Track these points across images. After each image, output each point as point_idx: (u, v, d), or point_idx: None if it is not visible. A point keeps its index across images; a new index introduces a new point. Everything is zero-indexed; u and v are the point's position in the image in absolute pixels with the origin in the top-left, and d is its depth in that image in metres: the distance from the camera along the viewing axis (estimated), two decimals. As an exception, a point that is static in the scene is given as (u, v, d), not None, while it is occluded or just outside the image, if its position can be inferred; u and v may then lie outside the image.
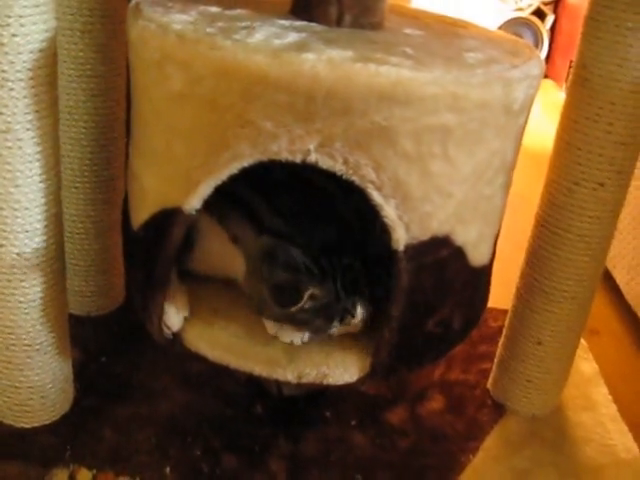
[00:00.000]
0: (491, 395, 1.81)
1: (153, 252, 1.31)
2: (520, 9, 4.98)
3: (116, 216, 1.69)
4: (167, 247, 1.28)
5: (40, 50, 1.25)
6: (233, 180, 1.19)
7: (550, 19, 4.98)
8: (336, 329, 1.35)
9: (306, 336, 1.37)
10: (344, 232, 1.35)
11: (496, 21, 4.82)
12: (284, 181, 1.33)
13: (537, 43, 4.85)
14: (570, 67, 1.55)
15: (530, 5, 4.97)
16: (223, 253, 1.39)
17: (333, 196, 1.34)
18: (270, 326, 1.38)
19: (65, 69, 1.60)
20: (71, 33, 1.58)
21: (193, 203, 1.22)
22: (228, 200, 1.32)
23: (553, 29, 5.02)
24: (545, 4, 4.97)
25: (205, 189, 1.21)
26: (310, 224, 1.32)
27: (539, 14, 4.99)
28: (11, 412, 1.52)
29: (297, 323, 1.34)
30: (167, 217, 1.27)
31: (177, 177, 1.25)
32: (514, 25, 4.86)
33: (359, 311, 1.33)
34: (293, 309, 1.27)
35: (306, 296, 1.27)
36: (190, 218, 1.25)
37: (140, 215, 1.35)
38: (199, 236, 1.37)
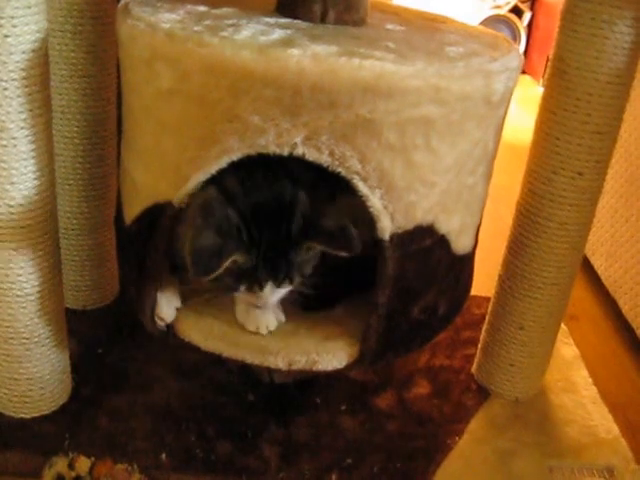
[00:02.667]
0: (475, 379, 1.84)
1: (145, 246, 1.33)
2: (498, 7, 5.00)
3: (109, 212, 1.72)
4: (158, 241, 1.30)
5: (32, 50, 1.27)
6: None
7: (527, 16, 5.00)
8: (243, 292, 1.32)
9: (272, 324, 1.39)
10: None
11: (474, 19, 4.83)
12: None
13: (515, 39, 4.87)
14: (547, 63, 1.57)
15: (508, 3, 4.98)
16: None
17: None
18: (243, 319, 1.40)
19: (57, 69, 1.62)
20: (62, 34, 1.60)
21: (183, 197, 1.24)
22: None
23: (530, 26, 5.03)
24: (522, 2, 4.99)
25: (194, 183, 1.22)
26: (261, 186, 1.28)
27: (516, 11, 5.00)
28: (11, 403, 1.54)
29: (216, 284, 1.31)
30: (158, 211, 1.29)
31: (167, 172, 1.28)
32: (492, 22, 4.87)
33: (267, 288, 1.30)
34: (209, 277, 1.23)
35: (227, 261, 1.23)
36: (181, 212, 1.26)
37: (132, 210, 1.38)
38: None
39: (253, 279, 1.29)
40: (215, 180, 1.24)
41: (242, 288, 1.30)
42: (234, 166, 1.22)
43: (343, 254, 1.25)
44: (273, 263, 1.27)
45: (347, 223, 1.24)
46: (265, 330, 1.38)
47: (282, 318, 1.41)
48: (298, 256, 1.28)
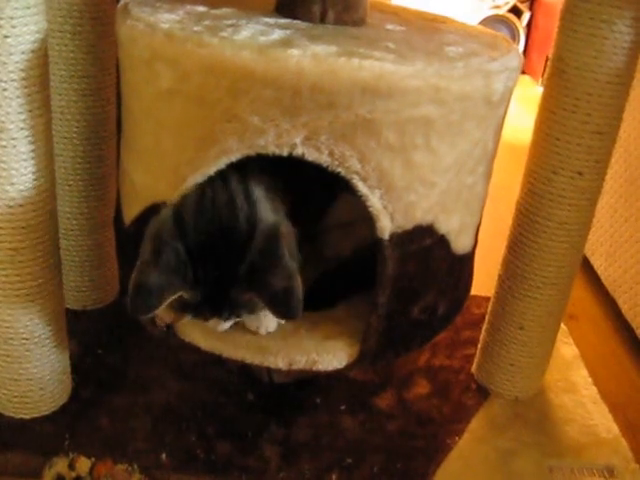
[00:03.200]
0: (475, 379, 1.84)
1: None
2: (497, 7, 5.00)
3: (109, 212, 1.72)
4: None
5: (32, 51, 1.27)
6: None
7: (526, 16, 5.00)
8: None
9: (272, 326, 1.39)
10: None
11: (474, 19, 4.83)
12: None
13: (514, 39, 4.87)
14: (546, 62, 1.57)
15: (507, 3, 4.99)
16: None
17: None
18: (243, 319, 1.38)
19: (56, 70, 1.62)
20: (62, 35, 1.60)
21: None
22: None
23: (529, 26, 5.04)
24: (521, 2, 5.00)
25: (192, 183, 1.23)
26: (217, 221, 1.24)
27: (515, 11, 5.01)
28: (11, 404, 1.54)
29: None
30: (156, 212, 1.28)
31: (166, 172, 1.28)
32: (491, 22, 4.88)
33: (212, 321, 1.29)
34: (145, 316, 1.24)
35: (170, 299, 1.20)
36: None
37: (131, 211, 1.38)
38: None
39: (198, 312, 1.28)
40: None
41: (188, 317, 1.30)
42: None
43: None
44: (216, 301, 1.26)
45: (294, 286, 1.19)
46: (264, 331, 1.38)
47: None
48: (241, 298, 1.26)
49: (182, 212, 1.23)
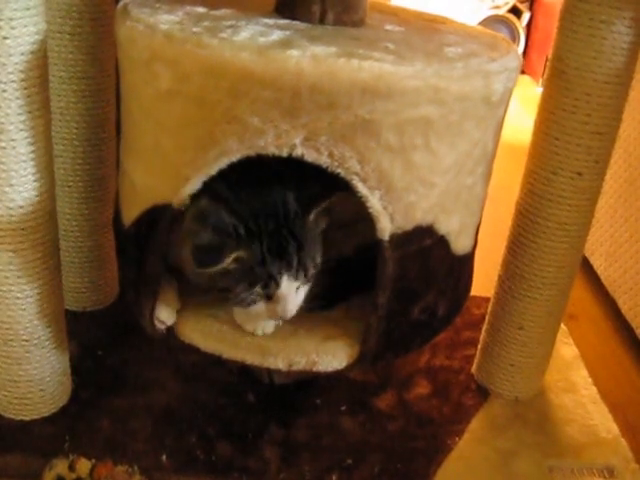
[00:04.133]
0: (475, 380, 1.84)
1: (144, 248, 1.33)
2: (497, 7, 5.00)
3: (109, 214, 1.71)
4: (157, 243, 1.30)
5: (31, 52, 1.27)
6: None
7: (526, 16, 5.00)
8: (262, 305, 1.31)
9: (269, 327, 1.39)
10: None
11: (473, 19, 4.83)
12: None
13: (514, 40, 4.87)
14: (546, 63, 1.57)
15: (506, 3, 4.99)
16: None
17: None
18: (240, 320, 1.40)
19: (56, 71, 1.62)
20: (61, 36, 1.60)
21: (182, 199, 1.24)
22: None
23: (529, 26, 5.04)
24: (521, 2, 5.00)
25: (194, 185, 1.22)
26: (253, 187, 1.28)
27: (515, 12, 5.01)
28: (11, 405, 1.54)
29: (221, 291, 1.31)
30: (157, 213, 1.29)
31: (167, 174, 1.28)
32: (491, 23, 4.87)
33: (285, 282, 1.28)
34: (212, 269, 1.24)
35: (230, 258, 1.23)
36: (180, 214, 1.26)
37: (131, 212, 1.38)
38: None
39: (266, 276, 1.27)
40: (206, 188, 1.24)
41: (258, 291, 1.28)
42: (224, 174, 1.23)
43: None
44: (281, 250, 1.27)
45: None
46: (261, 332, 1.39)
47: (279, 321, 1.41)
48: (304, 236, 1.28)
49: (216, 191, 1.26)
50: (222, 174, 1.22)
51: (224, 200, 1.26)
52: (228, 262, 1.23)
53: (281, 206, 1.27)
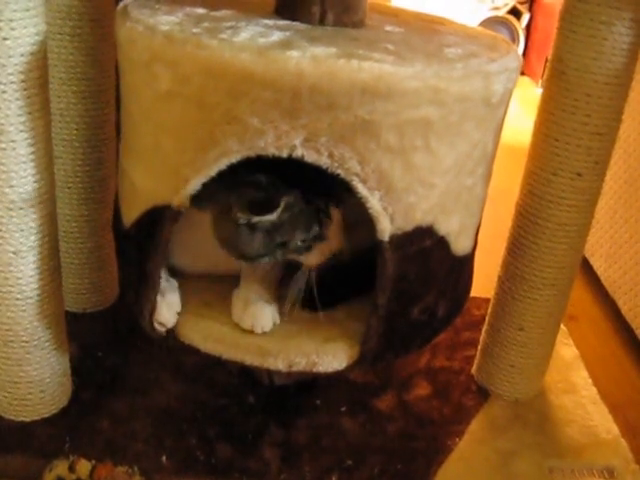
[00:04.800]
0: (475, 380, 1.84)
1: (144, 249, 1.33)
2: (496, 8, 5.00)
3: (109, 215, 1.70)
4: (158, 244, 1.30)
5: (31, 53, 1.27)
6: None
7: (526, 17, 5.00)
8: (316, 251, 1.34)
9: (267, 325, 1.39)
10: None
11: (473, 20, 4.84)
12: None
13: (513, 41, 4.87)
14: (546, 64, 1.57)
15: (506, 4, 4.99)
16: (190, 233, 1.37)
17: None
18: (238, 317, 1.39)
19: (56, 72, 1.62)
20: (61, 37, 1.60)
21: (183, 200, 1.24)
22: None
23: (529, 27, 5.04)
24: (521, 3, 5.00)
25: (194, 186, 1.22)
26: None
27: (515, 13, 5.01)
28: (11, 407, 1.54)
29: (278, 249, 1.31)
30: (158, 214, 1.29)
31: (167, 174, 1.27)
32: (491, 24, 4.87)
33: (334, 214, 1.32)
34: (273, 216, 1.24)
35: (282, 204, 1.24)
36: (180, 214, 1.26)
37: (131, 213, 1.37)
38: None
39: (317, 214, 1.31)
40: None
41: (315, 230, 1.32)
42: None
43: None
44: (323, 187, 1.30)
45: None
46: (260, 329, 1.38)
47: (277, 319, 1.40)
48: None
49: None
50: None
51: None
52: (280, 210, 1.24)
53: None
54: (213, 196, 1.29)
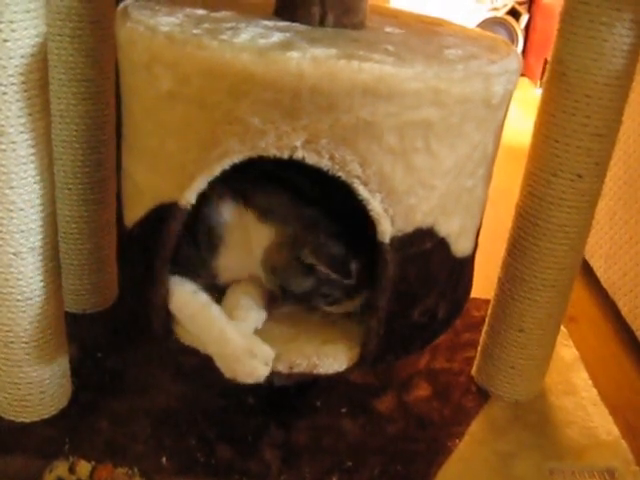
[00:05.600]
0: (475, 382, 1.84)
1: (150, 248, 1.32)
2: (495, 9, 5.00)
3: (108, 215, 1.72)
4: (166, 242, 1.29)
5: (31, 55, 1.27)
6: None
7: (525, 18, 5.00)
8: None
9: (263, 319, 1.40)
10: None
11: (472, 21, 4.84)
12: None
13: (512, 42, 4.87)
14: (545, 65, 1.57)
15: (505, 5, 4.99)
16: (245, 241, 1.37)
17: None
18: (238, 313, 1.38)
19: (56, 74, 1.62)
20: (61, 38, 1.60)
21: (189, 197, 1.24)
22: (251, 178, 1.33)
23: (528, 28, 5.04)
24: (520, 3, 5.00)
25: (200, 184, 1.23)
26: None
27: (514, 13, 5.01)
28: (11, 407, 1.54)
29: (317, 296, 1.37)
30: (164, 212, 1.28)
31: (172, 173, 1.28)
32: (490, 25, 4.88)
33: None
34: (347, 281, 1.31)
35: (353, 271, 1.30)
36: (186, 212, 1.26)
37: (134, 213, 1.38)
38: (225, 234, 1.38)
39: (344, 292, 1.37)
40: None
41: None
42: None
43: None
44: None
45: None
46: (260, 325, 1.39)
47: (259, 324, 1.40)
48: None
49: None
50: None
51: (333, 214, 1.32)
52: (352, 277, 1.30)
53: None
54: (283, 214, 1.34)
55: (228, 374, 1.31)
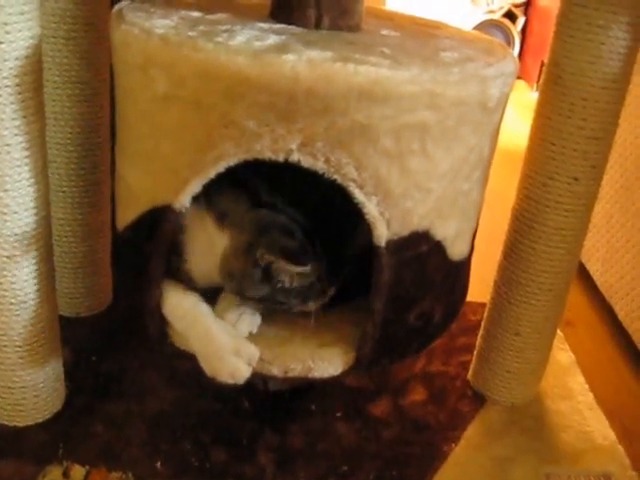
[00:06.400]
0: (471, 386, 1.83)
1: (143, 252, 1.32)
2: (491, 11, 4.99)
3: (103, 218, 1.72)
4: (160, 244, 1.30)
5: (26, 57, 1.27)
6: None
7: (521, 21, 4.99)
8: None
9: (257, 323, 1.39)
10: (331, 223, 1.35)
11: (468, 23, 4.83)
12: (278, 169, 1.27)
13: (508, 44, 4.86)
14: (541, 68, 1.57)
15: (501, 7, 4.98)
16: (207, 246, 1.35)
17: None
18: (230, 317, 1.37)
19: (50, 76, 1.61)
20: (55, 40, 1.59)
21: (183, 200, 1.24)
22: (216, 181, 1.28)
23: (524, 31, 5.03)
24: (516, 6, 4.99)
25: (194, 187, 1.23)
26: (300, 207, 1.32)
27: (510, 16, 5.00)
28: (5, 411, 1.53)
29: (274, 303, 1.34)
30: (158, 215, 1.28)
31: (166, 176, 1.27)
32: (486, 27, 4.87)
33: (330, 293, 1.35)
34: (304, 269, 1.28)
35: (309, 266, 1.28)
36: (181, 215, 1.26)
37: (127, 216, 1.37)
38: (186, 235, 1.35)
39: (321, 293, 1.34)
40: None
41: (310, 305, 1.36)
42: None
43: None
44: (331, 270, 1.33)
45: None
46: (255, 329, 1.38)
47: (254, 328, 1.39)
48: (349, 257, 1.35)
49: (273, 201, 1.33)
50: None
51: (282, 212, 1.30)
52: (306, 270, 1.28)
53: (334, 227, 1.32)
54: (239, 219, 1.32)
55: (210, 372, 1.31)
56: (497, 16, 4.97)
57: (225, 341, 1.32)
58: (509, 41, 4.93)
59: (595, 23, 1.42)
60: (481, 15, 4.97)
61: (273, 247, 1.26)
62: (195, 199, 1.26)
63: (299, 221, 1.29)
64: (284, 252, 1.26)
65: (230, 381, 1.30)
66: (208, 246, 1.34)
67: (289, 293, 1.31)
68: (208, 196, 1.29)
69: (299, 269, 1.28)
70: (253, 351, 1.32)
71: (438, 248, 1.36)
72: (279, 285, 1.29)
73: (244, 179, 1.31)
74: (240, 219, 1.31)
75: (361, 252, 1.33)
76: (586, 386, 1.91)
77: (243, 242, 1.29)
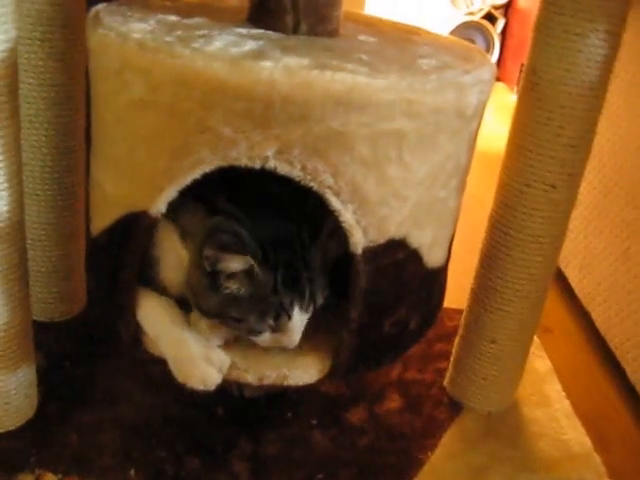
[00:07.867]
0: (448, 393, 1.83)
1: (117, 257, 1.32)
2: (471, 13, 5.01)
3: (77, 222, 1.70)
4: (133, 252, 1.30)
5: (1, 60, 1.25)
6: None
7: (501, 23, 5.01)
8: (268, 335, 1.31)
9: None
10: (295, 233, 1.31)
11: (448, 25, 4.84)
12: (242, 182, 1.29)
13: (488, 47, 4.89)
14: (521, 70, 1.57)
15: (481, 9, 4.99)
16: (177, 261, 1.34)
17: (285, 198, 1.32)
18: (205, 324, 1.35)
19: (25, 78, 1.59)
20: (31, 42, 1.58)
21: (159, 207, 1.24)
22: (185, 196, 1.28)
23: (504, 33, 5.04)
24: (496, 8, 5.01)
25: (169, 193, 1.22)
26: (261, 217, 1.29)
27: (490, 18, 5.01)
28: (-25, 419, 1.52)
29: (230, 320, 1.30)
30: (132, 221, 1.28)
31: (141, 182, 1.27)
32: (466, 29, 4.89)
33: (296, 315, 1.29)
34: (242, 258, 1.24)
35: (247, 261, 1.24)
36: (156, 221, 1.26)
37: (102, 221, 1.37)
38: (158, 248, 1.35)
39: (279, 307, 1.28)
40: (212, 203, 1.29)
41: (269, 323, 1.29)
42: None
43: None
44: (294, 282, 1.28)
45: None
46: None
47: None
48: (316, 268, 1.30)
49: (224, 207, 1.29)
50: (218, 189, 1.27)
51: (237, 219, 1.27)
52: (243, 264, 1.24)
53: (296, 236, 1.29)
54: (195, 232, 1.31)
55: (180, 378, 1.31)
56: (477, 18, 4.98)
57: (196, 348, 1.32)
58: (489, 43, 4.94)
59: (572, 31, 1.42)
60: (461, 17, 4.98)
61: (213, 244, 1.24)
62: (165, 215, 1.26)
63: (251, 229, 1.26)
64: (222, 245, 1.23)
65: (201, 387, 1.30)
66: (177, 261, 1.34)
67: (241, 305, 1.27)
68: (175, 212, 1.29)
69: (236, 258, 1.24)
70: (224, 358, 1.33)
71: (414, 256, 1.36)
72: (226, 291, 1.26)
73: (206, 193, 1.30)
74: (195, 229, 1.30)
75: (336, 260, 1.33)
76: (563, 394, 1.91)
77: (196, 251, 1.28)
